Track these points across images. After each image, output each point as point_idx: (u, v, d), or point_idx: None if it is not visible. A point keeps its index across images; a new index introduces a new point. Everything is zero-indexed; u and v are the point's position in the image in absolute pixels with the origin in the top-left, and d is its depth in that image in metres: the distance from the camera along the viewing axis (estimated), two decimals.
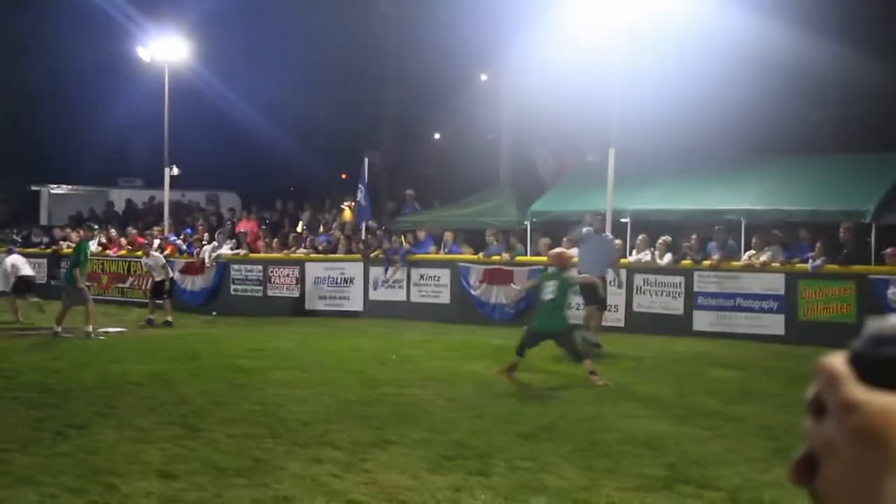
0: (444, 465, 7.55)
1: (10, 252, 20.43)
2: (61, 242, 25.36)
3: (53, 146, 31.06)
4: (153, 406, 9.69)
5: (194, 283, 22.57)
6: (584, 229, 15.17)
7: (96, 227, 21.41)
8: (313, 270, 21.32)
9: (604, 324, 15.21)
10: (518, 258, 18.67)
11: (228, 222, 25.44)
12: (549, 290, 11.70)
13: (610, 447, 8.21)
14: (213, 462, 7.44)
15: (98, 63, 31.34)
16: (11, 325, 18.61)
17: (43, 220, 32.67)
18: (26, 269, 19.58)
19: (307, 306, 21.36)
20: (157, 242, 23.33)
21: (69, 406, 9.64)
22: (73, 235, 24.42)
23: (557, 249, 12.67)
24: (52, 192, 33.94)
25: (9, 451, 7.77)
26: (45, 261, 25.63)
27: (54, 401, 9.90)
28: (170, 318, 19.09)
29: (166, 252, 22.56)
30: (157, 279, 19.83)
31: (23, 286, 19.27)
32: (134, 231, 24.52)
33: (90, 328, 16.88)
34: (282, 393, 10.54)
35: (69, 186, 34.30)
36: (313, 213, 24.96)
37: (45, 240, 26.55)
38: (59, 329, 16.83)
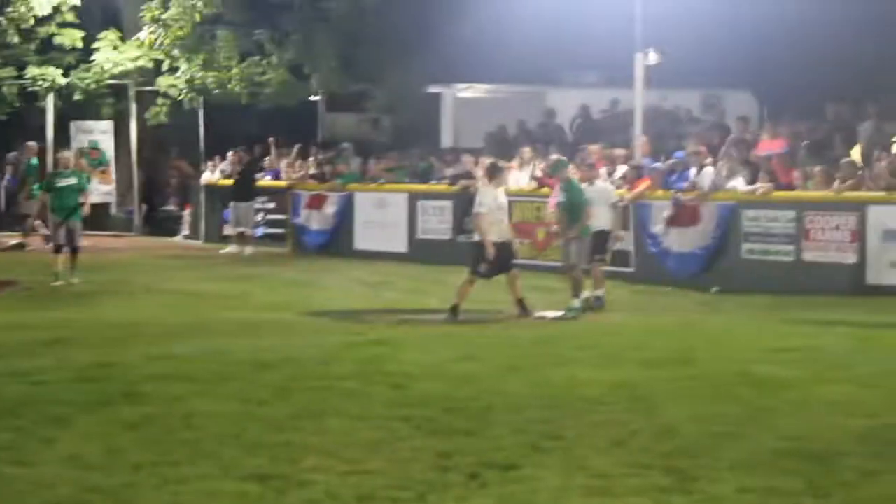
0: None
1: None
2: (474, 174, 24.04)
3: (463, 28, 29.88)
4: (619, 438, 9.13)
5: (684, 238, 21.33)
6: None
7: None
8: (880, 219, 19.08)
9: None
10: None
11: (740, 141, 23.38)
12: None
13: None
14: None
15: None
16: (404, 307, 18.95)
17: (445, 139, 31.57)
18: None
19: (871, 279, 19.41)
20: (608, 171, 22.09)
21: (488, 434, 9.25)
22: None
23: None
24: (460, 95, 32.63)
25: (398, 501, 7.54)
26: (449, 204, 24.30)
27: (466, 425, 9.50)
28: (598, 294, 18.44)
29: (638, 190, 21.70)
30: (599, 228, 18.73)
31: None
32: (594, 150, 22.69)
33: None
34: (832, 423, 9.65)
35: (485, 86, 32.80)
36: (877, 124, 21.87)
37: (451, 172, 25.20)
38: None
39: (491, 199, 17.72)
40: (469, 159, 25.31)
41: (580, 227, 17.87)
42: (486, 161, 22.04)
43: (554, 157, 20.50)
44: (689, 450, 8.65)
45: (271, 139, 30.71)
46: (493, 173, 18.35)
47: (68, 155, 22.88)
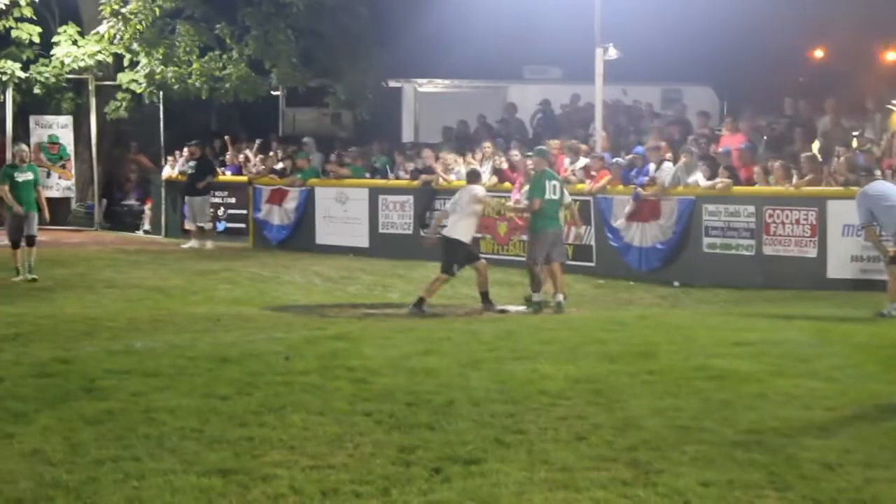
0: None
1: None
2: (435, 169, 23.88)
3: (424, 23, 29.75)
4: (582, 432, 9.11)
5: (645, 233, 21.26)
6: None
7: None
8: (840, 213, 19.04)
9: None
10: None
11: (700, 136, 23.49)
12: None
13: None
14: None
15: None
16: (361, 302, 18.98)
17: (406, 134, 31.44)
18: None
19: (831, 273, 19.48)
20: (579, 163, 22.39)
21: (451, 428, 9.20)
22: (451, 160, 22.91)
23: None
24: (420, 90, 32.52)
25: (361, 496, 7.47)
26: (409, 199, 24.26)
27: (428, 420, 9.47)
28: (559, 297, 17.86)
29: (601, 183, 21.76)
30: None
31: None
32: (554, 144, 22.69)
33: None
34: (791, 416, 9.66)
35: (445, 81, 32.69)
36: (835, 119, 21.88)
37: (411, 166, 25.08)
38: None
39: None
40: (430, 154, 25.24)
41: (518, 212, 17.86)
42: (451, 155, 22.14)
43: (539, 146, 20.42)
44: (652, 443, 8.62)
45: (227, 137, 30.69)
46: (474, 178, 18.57)
47: (26, 149, 22.47)
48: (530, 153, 20.51)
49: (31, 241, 20.71)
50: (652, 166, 21.58)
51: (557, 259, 17.68)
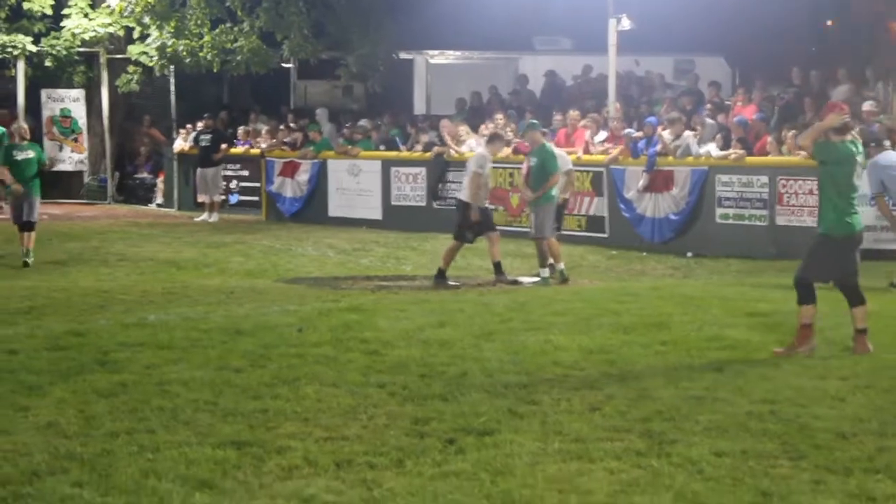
0: None
1: None
2: (447, 140, 23.76)
3: None
4: (595, 402, 9.10)
5: (657, 206, 21.15)
6: None
7: None
8: None
9: None
10: None
11: (708, 105, 23.51)
12: None
13: None
14: (694, 495, 6.96)
15: None
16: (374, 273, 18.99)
17: (418, 106, 31.35)
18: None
19: None
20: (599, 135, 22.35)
21: (464, 399, 9.20)
22: (463, 132, 22.81)
23: None
24: (432, 61, 32.42)
25: (375, 467, 7.48)
26: (422, 171, 24.27)
27: (441, 391, 9.46)
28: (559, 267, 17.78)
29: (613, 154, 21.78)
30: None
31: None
32: (574, 116, 23.15)
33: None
34: (804, 385, 9.62)
35: (457, 53, 32.58)
36: (854, 89, 21.75)
37: (425, 139, 24.97)
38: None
39: (489, 165, 17.87)
40: (447, 125, 25.11)
41: (543, 192, 17.65)
42: (462, 127, 22.08)
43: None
44: (665, 414, 8.63)
45: (224, 113, 30.78)
46: (493, 140, 18.45)
47: (25, 126, 21.95)
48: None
49: (29, 226, 19.78)
50: (667, 134, 21.41)
51: (555, 233, 17.76)
